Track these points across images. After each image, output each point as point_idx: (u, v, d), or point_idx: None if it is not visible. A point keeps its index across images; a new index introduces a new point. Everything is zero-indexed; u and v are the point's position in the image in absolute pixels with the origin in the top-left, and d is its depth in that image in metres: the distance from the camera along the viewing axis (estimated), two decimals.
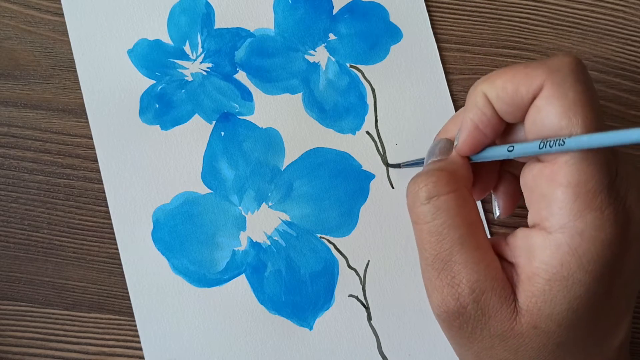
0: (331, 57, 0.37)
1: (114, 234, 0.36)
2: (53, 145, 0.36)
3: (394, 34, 0.37)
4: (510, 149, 0.25)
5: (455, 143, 0.28)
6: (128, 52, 0.37)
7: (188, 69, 0.37)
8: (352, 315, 0.35)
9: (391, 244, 0.36)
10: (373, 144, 0.37)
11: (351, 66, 0.37)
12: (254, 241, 0.36)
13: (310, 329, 0.35)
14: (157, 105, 0.36)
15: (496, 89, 0.25)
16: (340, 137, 0.37)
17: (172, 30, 0.37)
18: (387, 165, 0.36)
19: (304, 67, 0.37)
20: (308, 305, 0.35)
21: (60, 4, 0.37)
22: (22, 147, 0.36)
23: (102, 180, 0.36)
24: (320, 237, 0.36)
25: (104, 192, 0.36)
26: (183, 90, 0.36)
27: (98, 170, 0.36)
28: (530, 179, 0.25)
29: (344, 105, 0.37)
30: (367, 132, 0.37)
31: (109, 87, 0.36)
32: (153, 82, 0.36)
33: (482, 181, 0.30)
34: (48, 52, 0.37)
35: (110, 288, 0.36)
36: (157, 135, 0.36)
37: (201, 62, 0.37)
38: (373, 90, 0.37)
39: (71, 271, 0.36)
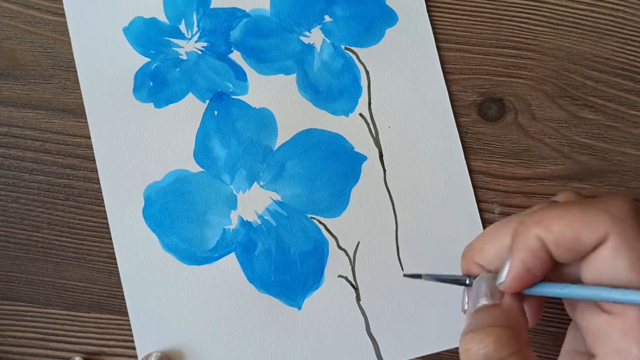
0: (326, 39, 0.37)
1: None
2: (53, 145, 0.36)
3: (390, 17, 0.37)
4: (573, 291, 0.25)
5: (500, 280, 0.26)
6: (124, 29, 0.37)
7: (183, 47, 0.37)
8: (341, 296, 0.36)
9: (381, 225, 0.36)
10: (366, 126, 0.37)
11: (346, 48, 0.37)
12: (245, 220, 0.36)
13: (299, 308, 0.35)
14: (151, 83, 0.36)
15: (554, 235, 0.24)
16: (333, 118, 0.37)
17: (168, 8, 0.37)
18: (405, 275, 0.33)
19: (299, 49, 0.37)
20: (297, 285, 0.35)
21: (60, 4, 0.37)
22: (22, 147, 0.36)
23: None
24: (311, 218, 0.36)
25: None
26: (177, 69, 0.36)
27: (98, 170, 0.36)
28: (596, 328, 0.24)
29: (337, 87, 0.37)
30: (360, 114, 0.37)
31: (103, 63, 0.36)
32: (148, 60, 0.36)
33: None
34: (48, 52, 0.37)
35: (110, 288, 0.36)
36: (151, 113, 0.36)
37: (196, 41, 0.37)
38: (367, 72, 0.37)
39: (71, 271, 0.36)
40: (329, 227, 0.36)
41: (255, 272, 0.35)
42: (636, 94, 0.37)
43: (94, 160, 0.36)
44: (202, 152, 0.36)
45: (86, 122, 0.36)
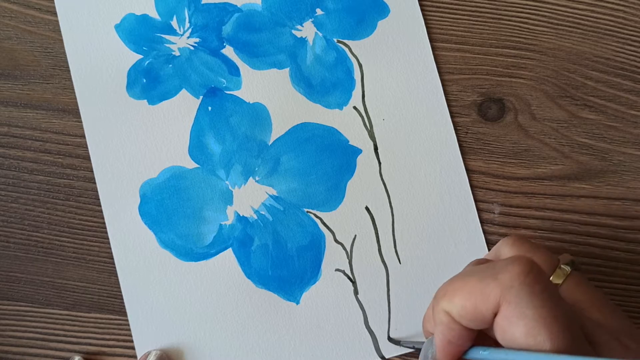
0: (318, 32, 0.37)
1: None
2: (53, 145, 0.36)
3: (381, 9, 0.37)
4: (490, 357, 0.25)
5: (433, 356, 0.27)
6: (115, 26, 0.37)
7: (175, 43, 0.37)
8: (338, 290, 0.35)
9: (378, 218, 0.36)
10: (360, 119, 0.37)
11: (338, 41, 0.37)
12: (241, 215, 0.36)
13: (297, 303, 0.35)
14: (145, 80, 0.36)
15: (456, 307, 0.25)
16: (328, 112, 0.37)
17: (160, 5, 0.37)
18: (389, 339, 0.35)
19: (291, 42, 0.37)
20: (295, 280, 0.35)
21: None
22: (22, 147, 0.36)
23: None
24: (307, 212, 0.36)
25: None
26: (170, 65, 0.36)
27: None
28: None
29: (331, 81, 0.37)
30: (354, 107, 0.37)
31: (96, 61, 0.36)
32: (140, 56, 0.36)
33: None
34: (48, 52, 0.37)
35: (111, 288, 0.36)
36: (145, 109, 0.36)
37: (188, 37, 0.37)
38: (360, 65, 0.37)
39: (71, 271, 0.36)
40: (325, 221, 0.36)
41: (253, 268, 0.35)
42: (636, 94, 0.37)
43: None
44: (197, 148, 0.36)
45: None
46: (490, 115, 0.37)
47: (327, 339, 0.35)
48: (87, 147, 0.36)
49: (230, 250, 0.35)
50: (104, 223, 0.36)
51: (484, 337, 0.27)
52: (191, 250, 0.35)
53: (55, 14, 0.37)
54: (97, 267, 0.36)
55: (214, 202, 0.36)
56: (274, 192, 0.36)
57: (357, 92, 0.37)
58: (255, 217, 0.36)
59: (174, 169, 0.36)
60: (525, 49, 0.37)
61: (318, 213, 0.36)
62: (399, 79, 0.37)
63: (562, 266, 0.28)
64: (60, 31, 0.37)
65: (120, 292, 0.35)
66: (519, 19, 0.37)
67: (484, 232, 0.36)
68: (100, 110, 0.36)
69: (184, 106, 0.36)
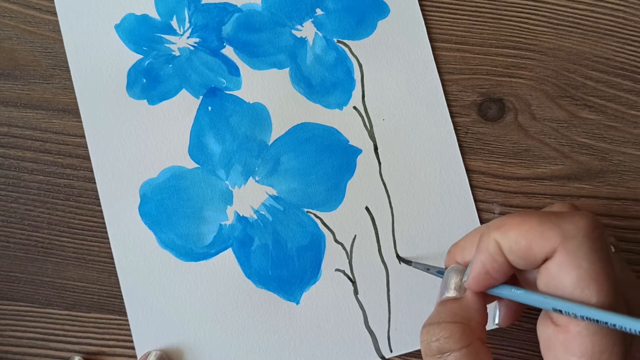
0: (318, 32, 0.37)
1: None
2: (53, 145, 0.36)
3: (381, 9, 0.37)
4: (523, 297, 0.26)
5: (464, 278, 0.28)
6: (115, 26, 0.37)
7: (175, 43, 0.37)
8: (338, 290, 0.35)
9: (378, 218, 0.36)
10: (360, 119, 0.37)
11: (338, 41, 0.37)
12: (241, 215, 0.36)
13: (297, 303, 0.35)
14: (145, 80, 0.36)
15: (509, 241, 0.25)
16: (327, 112, 0.37)
17: (160, 5, 0.37)
18: (398, 258, 0.36)
19: (291, 42, 0.37)
20: (295, 280, 0.35)
21: None
22: (22, 147, 0.36)
23: None
24: (307, 212, 0.36)
25: None
26: (170, 65, 0.36)
27: None
28: (546, 338, 0.26)
29: (331, 81, 0.37)
30: (354, 108, 0.37)
31: (96, 61, 0.36)
32: (140, 56, 0.36)
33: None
34: (48, 52, 0.37)
35: (111, 288, 0.36)
36: (145, 109, 0.36)
37: (188, 37, 0.37)
38: (360, 65, 0.37)
39: (71, 271, 0.36)
40: (325, 221, 0.36)
41: (253, 268, 0.35)
42: (636, 94, 0.37)
43: None
44: (196, 148, 0.36)
45: None
46: (490, 115, 0.37)
47: (327, 339, 0.35)
48: (87, 147, 0.36)
49: (230, 250, 0.35)
50: (104, 223, 0.36)
51: (512, 280, 0.27)
52: (191, 250, 0.35)
53: (55, 14, 0.37)
54: (97, 267, 0.36)
55: (214, 202, 0.36)
56: (274, 192, 0.36)
57: (357, 92, 0.37)
58: (255, 217, 0.36)
59: (174, 169, 0.36)
60: (525, 49, 0.37)
61: (318, 213, 0.36)
62: (399, 79, 0.37)
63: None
64: (60, 31, 0.37)
65: (120, 292, 0.35)
66: (519, 19, 0.37)
67: None
68: (100, 110, 0.36)
69: (184, 106, 0.36)
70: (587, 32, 0.37)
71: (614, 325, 0.22)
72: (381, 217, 0.36)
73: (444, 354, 0.26)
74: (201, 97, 0.36)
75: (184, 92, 0.36)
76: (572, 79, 0.37)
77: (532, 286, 0.27)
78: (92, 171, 0.36)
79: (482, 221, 0.36)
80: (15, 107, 0.37)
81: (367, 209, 0.36)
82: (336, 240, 0.36)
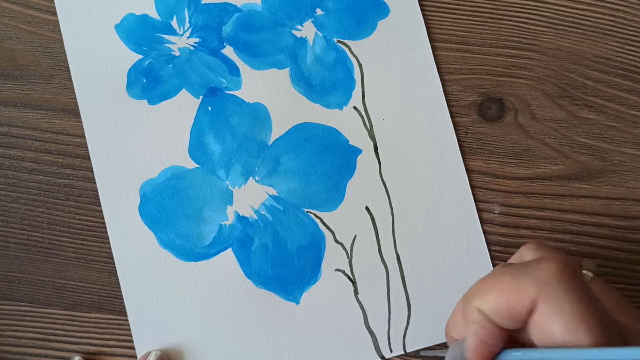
0: (318, 33, 0.37)
1: None
2: (53, 145, 0.36)
3: (381, 9, 0.37)
4: (524, 358, 0.25)
5: (465, 355, 0.27)
6: (115, 26, 0.37)
7: (175, 43, 0.37)
8: (339, 290, 0.35)
9: (378, 218, 0.36)
10: (360, 119, 0.37)
11: (338, 41, 0.37)
12: (241, 215, 0.36)
13: (297, 303, 0.35)
14: (145, 80, 0.36)
15: (489, 305, 0.25)
16: (328, 112, 0.37)
17: (160, 5, 0.37)
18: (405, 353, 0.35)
19: (291, 42, 0.37)
20: (295, 280, 0.35)
21: None
22: (22, 147, 0.36)
23: None
24: (307, 212, 0.36)
25: None
26: (170, 65, 0.36)
27: None
28: None
29: (331, 81, 0.37)
30: (354, 107, 0.37)
31: (96, 61, 0.36)
32: (140, 56, 0.36)
33: None
34: (48, 52, 0.37)
35: (111, 288, 0.36)
36: (145, 109, 0.36)
37: (188, 37, 0.37)
38: (360, 65, 0.37)
39: (71, 271, 0.36)
40: (325, 221, 0.36)
41: (253, 268, 0.35)
42: (636, 94, 0.37)
43: None
44: (196, 148, 0.36)
45: None
46: (490, 115, 0.37)
47: (327, 339, 0.35)
48: (87, 147, 0.36)
49: (230, 250, 0.35)
50: (104, 223, 0.36)
51: (514, 343, 0.27)
52: (191, 250, 0.35)
53: (55, 14, 0.37)
54: (97, 267, 0.36)
55: (214, 202, 0.36)
56: (274, 192, 0.36)
57: (357, 92, 0.37)
58: (255, 217, 0.36)
59: (174, 169, 0.36)
60: (525, 49, 0.37)
61: (318, 213, 0.36)
62: (399, 79, 0.37)
63: (584, 271, 0.28)
64: (60, 31, 0.37)
65: (120, 292, 0.35)
66: (519, 19, 0.37)
67: (484, 232, 0.36)
68: (100, 110, 0.36)
69: (184, 106, 0.36)
70: (587, 32, 0.37)
71: (613, 358, 0.22)
72: (381, 217, 0.36)
73: None
74: (201, 97, 0.36)
75: (184, 92, 0.36)
76: (572, 79, 0.37)
77: (532, 344, 0.27)
78: (92, 171, 0.36)
79: (482, 221, 0.36)
80: (15, 107, 0.37)
81: (367, 208, 0.36)
82: (336, 240, 0.36)
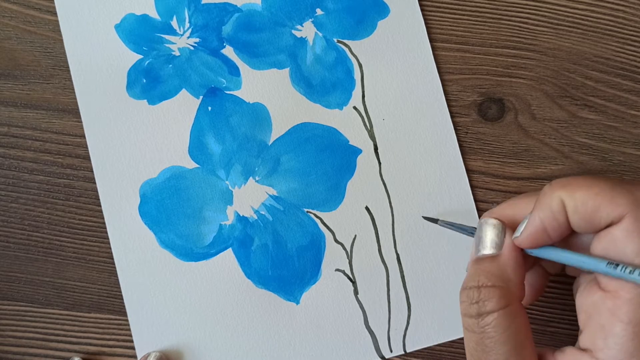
0: (318, 33, 0.37)
1: None
2: (53, 145, 0.36)
3: (381, 9, 0.37)
4: (575, 258, 0.25)
5: (516, 234, 0.27)
6: (115, 26, 0.37)
7: (175, 43, 0.37)
8: (338, 290, 0.35)
9: (378, 218, 0.36)
10: (360, 119, 0.37)
11: (338, 41, 0.37)
12: (241, 215, 0.36)
13: (297, 303, 0.35)
14: (145, 80, 0.36)
15: (575, 201, 0.25)
16: (328, 112, 0.37)
17: (160, 5, 0.37)
18: (424, 217, 0.36)
19: (291, 42, 0.37)
20: (295, 280, 0.35)
21: None
22: (22, 147, 0.36)
23: None
24: (307, 212, 0.36)
25: None
26: (170, 65, 0.36)
27: None
28: (589, 305, 0.25)
29: (331, 81, 0.37)
30: (354, 108, 0.37)
31: (96, 61, 0.36)
32: (140, 56, 0.36)
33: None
34: (48, 52, 0.37)
35: (111, 288, 0.36)
36: (145, 109, 0.36)
37: (188, 37, 0.37)
38: (360, 65, 0.37)
39: (71, 271, 0.36)
40: (325, 221, 0.36)
41: (253, 268, 0.35)
42: (636, 94, 0.37)
43: None
44: (196, 148, 0.36)
45: None
46: (490, 115, 0.37)
47: (327, 339, 0.35)
48: (87, 147, 0.36)
49: (230, 250, 0.35)
50: (104, 223, 0.36)
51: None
52: (191, 250, 0.35)
53: (55, 14, 0.37)
54: (97, 267, 0.36)
55: (214, 202, 0.36)
56: (274, 192, 0.36)
57: (357, 92, 0.37)
58: (255, 217, 0.36)
59: (174, 169, 0.36)
60: (525, 49, 0.37)
61: (318, 213, 0.36)
62: (399, 79, 0.37)
63: None
64: (60, 31, 0.37)
65: (120, 292, 0.35)
66: (519, 19, 0.37)
67: None
68: (100, 110, 0.36)
69: (184, 106, 0.36)
70: (587, 32, 0.37)
71: None
72: (381, 217, 0.36)
73: (482, 315, 0.26)
74: (201, 97, 0.36)
75: (184, 92, 0.36)
76: (572, 79, 0.37)
77: (579, 250, 0.27)
78: (92, 171, 0.36)
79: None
80: (15, 107, 0.37)
81: (367, 208, 0.36)
82: (336, 240, 0.36)
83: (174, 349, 0.35)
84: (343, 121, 0.37)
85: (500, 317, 0.26)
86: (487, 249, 0.28)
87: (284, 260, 0.35)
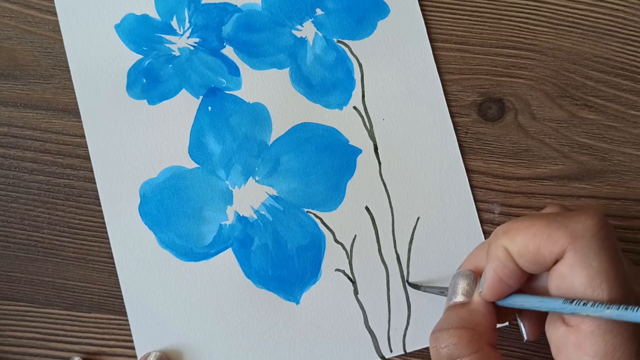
0: (318, 33, 0.37)
1: None
2: (53, 145, 0.36)
3: (381, 9, 0.37)
4: (533, 303, 0.26)
5: (479, 290, 0.28)
6: (115, 26, 0.37)
7: (175, 43, 0.37)
8: (338, 290, 0.35)
9: (378, 218, 0.36)
10: (360, 119, 0.37)
11: (338, 41, 0.37)
12: (241, 215, 0.36)
13: (297, 303, 0.35)
14: (145, 80, 0.36)
15: (517, 246, 0.25)
16: (328, 112, 0.37)
17: (160, 5, 0.37)
18: (408, 284, 0.35)
19: (291, 42, 0.37)
20: (295, 280, 0.35)
21: None
22: (22, 147, 0.36)
23: None
24: (307, 212, 0.36)
25: None
26: (170, 65, 0.36)
27: None
28: (557, 339, 0.26)
29: (331, 81, 0.37)
30: (354, 108, 0.37)
31: (96, 61, 0.36)
32: (140, 57, 0.36)
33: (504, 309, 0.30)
34: (48, 52, 0.37)
35: (111, 288, 0.36)
36: (145, 109, 0.36)
37: (188, 37, 0.37)
38: (360, 65, 0.37)
39: (71, 271, 0.36)
40: (325, 221, 0.36)
41: (253, 268, 0.35)
42: (636, 94, 0.37)
43: None
44: (196, 148, 0.36)
45: None
46: (490, 115, 0.37)
47: (327, 339, 0.35)
48: (87, 147, 0.36)
49: (230, 250, 0.35)
50: (104, 223, 0.36)
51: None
52: (191, 250, 0.35)
53: (55, 14, 0.37)
54: (97, 267, 0.36)
55: (214, 202, 0.36)
56: (274, 192, 0.36)
57: (357, 92, 0.37)
58: (255, 217, 0.36)
59: (174, 169, 0.36)
60: (525, 49, 0.37)
61: (318, 213, 0.36)
62: (399, 79, 0.37)
63: None
64: (60, 31, 0.37)
65: (120, 292, 0.35)
66: (519, 19, 0.37)
67: (484, 232, 0.36)
68: (100, 110, 0.36)
69: (184, 106, 0.36)
70: (587, 32, 0.37)
71: (629, 320, 0.22)
72: (381, 217, 0.36)
73: (454, 359, 0.26)
74: (201, 97, 0.36)
75: (184, 92, 0.36)
76: (572, 79, 0.37)
77: (543, 293, 0.27)
78: (92, 171, 0.36)
79: (482, 221, 0.36)
80: (15, 107, 0.37)
81: (367, 208, 0.36)
82: (336, 240, 0.36)
83: (174, 349, 0.35)
84: (343, 121, 0.37)
85: None
86: (459, 297, 0.28)
87: (284, 260, 0.35)
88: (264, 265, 0.35)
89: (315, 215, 0.36)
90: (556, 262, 0.25)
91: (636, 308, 0.22)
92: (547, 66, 0.37)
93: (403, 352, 0.35)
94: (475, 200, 0.36)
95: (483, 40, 0.37)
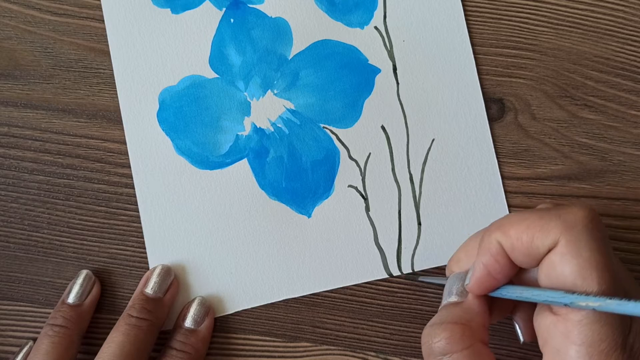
0: None
1: (114, 234, 0.36)
2: (53, 145, 0.36)
3: None
4: (527, 294, 0.26)
5: (466, 282, 0.28)
6: None
7: None
8: (350, 206, 0.36)
9: (393, 138, 0.36)
10: (380, 39, 0.37)
11: None
12: (258, 127, 0.36)
13: (309, 216, 0.36)
14: None
15: (511, 239, 0.26)
16: (349, 30, 0.37)
17: None
18: (406, 274, 0.36)
19: None
20: (308, 193, 0.36)
21: (61, 4, 0.37)
22: (22, 147, 0.36)
23: (101, 181, 0.36)
24: (323, 127, 0.36)
25: (104, 192, 0.36)
26: None
27: (98, 170, 0.36)
28: (544, 329, 0.26)
29: (353, 0, 0.37)
30: (375, 27, 0.37)
31: None
32: None
33: (498, 306, 0.30)
34: (48, 52, 0.37)
35: (111, 288, 0.36)
36: (168, 18, 0.36)
37: None
38: None
39: (71, 271, 0.36)
40: (340, 137, 0.36)
41: (267, 179, 0.36)
42: (636, 94, 0.37)
43: (95, 161, 0.36)
44: (217, 59, 0.36)
45: (86, 122, 0.36)
46: (490, 115, 0.37)
47: (337, 253, 0.35)
48: (87, 147, 0.36)
49: (245, 160, 0.36)
50: (104, 223, 0.36)
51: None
52: (207, 158, 0.36)
53: (55, 14, 0.37)
54: (97, 267, 0.36)
55: (232, 112, 0.36)
56: (291, 105, 0.36)
57: (378, 13, 0.37)
58: (271, 129, 0.36)
59: (194, 77, 0.36)
60: (525, 49, 0.37)
61: (334, 129, 0.36)
62: (421, 1, 0.37)
63: None
64: (60, 31, 0.37)
65: (121, 292, 0.35)
66: (519, 19, 0.37)
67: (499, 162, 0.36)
68: (124, 16, 0.36)
69: (206, 17, 0.36)
70: (587, 32, 0.37)
71: (616, 311, 0.22)
72: (396, 137, 0.36)
73: (445, 355, 0.26)
74: (224, 9, 0.37)
75: (207, 3, 0.37)
76: (572, 79, 0.37)
77: (531, 285, 0.27)
78: (92, 171, 0.36)
79: (495, 141, 0.36)
80: (15, 107, 0.36)
81: (382, 127, 0.36)
82: (350, 157, 0.36)
83: (185, 255, 0.35)
84: (363, 40, 0.37)
85: (466, 357, 0.26)
86: (454, 297, 0.29)
87: (298, 173, 0.36)
88: (278, 177, 0.36)
89: (331, 131, 0.36)
90: (547, 254, 0.25)
91: (633, 300, 0.22)
92: (547, 66, 0.37)
93: (411, 271, 0.36)
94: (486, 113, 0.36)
95: (483, 40, 0.37)
